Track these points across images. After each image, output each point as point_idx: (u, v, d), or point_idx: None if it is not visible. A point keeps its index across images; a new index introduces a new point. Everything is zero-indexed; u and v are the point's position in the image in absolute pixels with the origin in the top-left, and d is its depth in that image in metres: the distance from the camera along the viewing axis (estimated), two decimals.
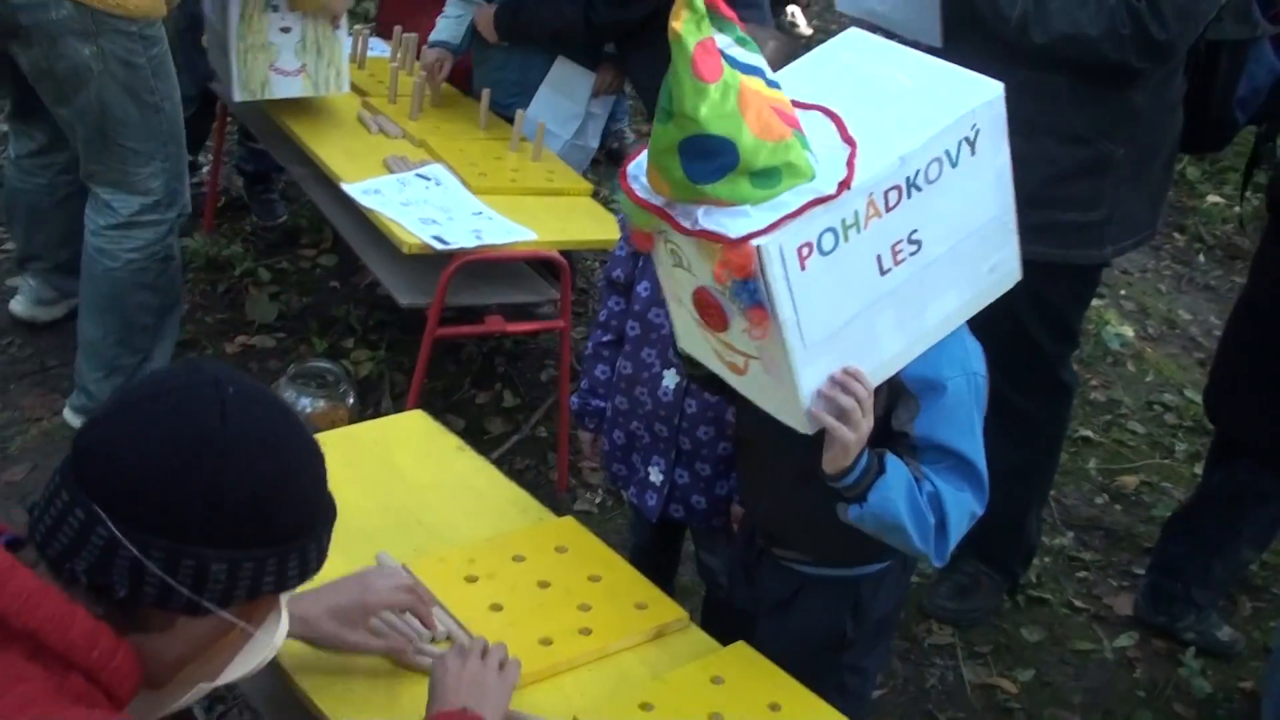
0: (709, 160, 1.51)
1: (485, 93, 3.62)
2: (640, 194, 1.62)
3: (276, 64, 3.38)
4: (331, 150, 3.35)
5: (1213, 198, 6.36)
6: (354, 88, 3.69)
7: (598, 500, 3.47)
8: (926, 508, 1.84)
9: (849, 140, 1.62)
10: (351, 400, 3.34)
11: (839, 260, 1.62)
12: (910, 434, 1.86)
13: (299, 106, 3.58)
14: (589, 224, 3.28)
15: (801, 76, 1.77)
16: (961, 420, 1.88)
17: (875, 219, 1.63)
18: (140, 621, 1.28)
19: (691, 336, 1.81)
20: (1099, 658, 3.20)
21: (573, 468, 3.55)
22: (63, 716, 1.18)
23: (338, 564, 1.48)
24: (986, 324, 2.96)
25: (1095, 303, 4.98)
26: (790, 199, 1.56)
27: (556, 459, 3.50)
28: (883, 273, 1.69)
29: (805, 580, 2.06)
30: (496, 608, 2.06)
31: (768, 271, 1.56)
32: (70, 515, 1.24)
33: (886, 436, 1.86)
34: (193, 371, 1.32)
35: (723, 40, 1.53)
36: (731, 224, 1.55)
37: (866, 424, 1.73)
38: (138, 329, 3.27)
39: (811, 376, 1.68)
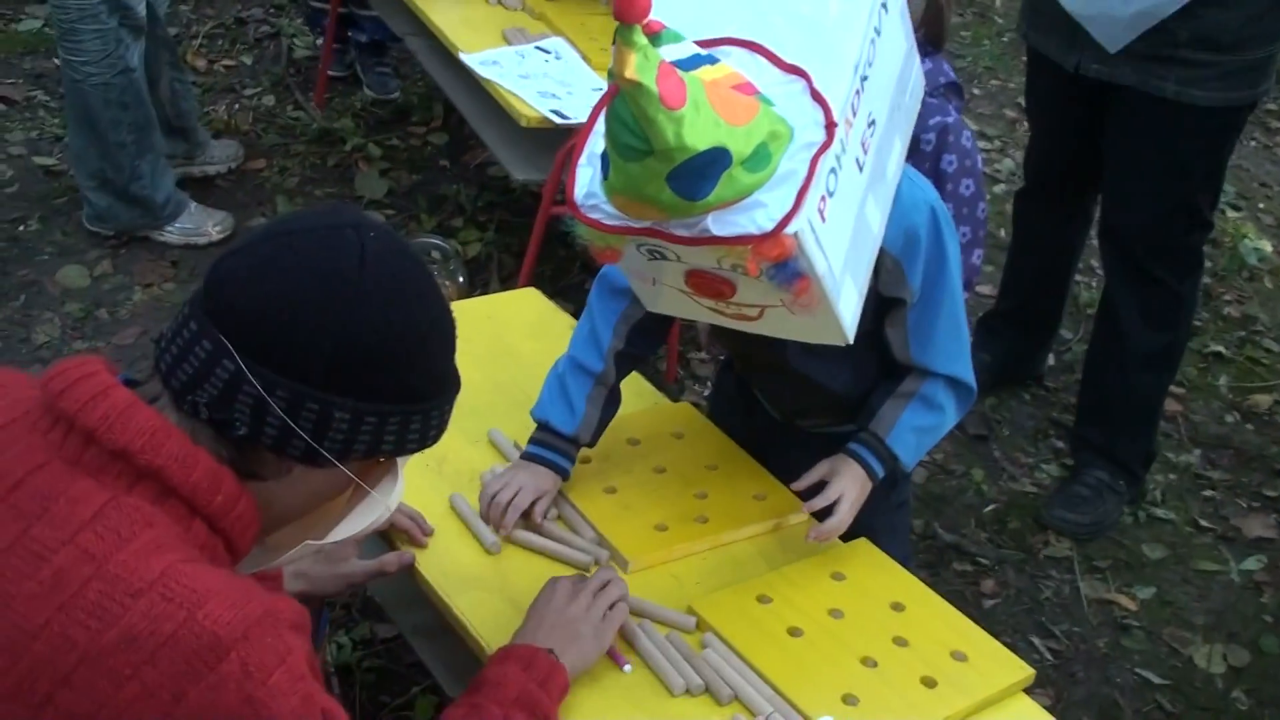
0: (701, 176, 1.39)
1: None
2: (612, 223, 1.49)
3: None
4: (448, 19, 3.25)
5: None
6: None
7: (706, 393, 3.38)
8: (940, 407, 1.93)
9: (796, 71, 1.49)
10: (461, 279, 3.28)
11: (841, 191, 1.54)
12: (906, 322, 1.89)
13: None
14: None
15: (678, 5, 1.57)
16: (938, 276, 1.86)
17: (849, 130, 1.53)
18: (256, 465, 1.23)
19: (666, 303, 1.70)
20: (1224, 579, 3.07)
21: (681, 359, 3.47)
22: (193, 576, 1.13)
23: (449, 440, 1.41)
24: (1141, 187, 2.83)
25: (1232, 215, 4.76)
26: (791, 166, 1.45)
27: (665, 349, 3.41)
28: (861, 170, 1.60)
29: (839, 438, 1.98)
30: (610, 490, 2.00)
31: (806, 248, 1.47)
32: (197, 346, 1.19)
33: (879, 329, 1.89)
34: (335, 212, 1.25)
35: (667, 53, 1.38)
36: (751, 220, 1.44)
37: (849, 497, 1.90)
38: (115, 145, 3.36)
39: (846, 299, 1.61)
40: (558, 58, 3.09)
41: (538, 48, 3.12)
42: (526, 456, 1.96)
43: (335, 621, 2.55)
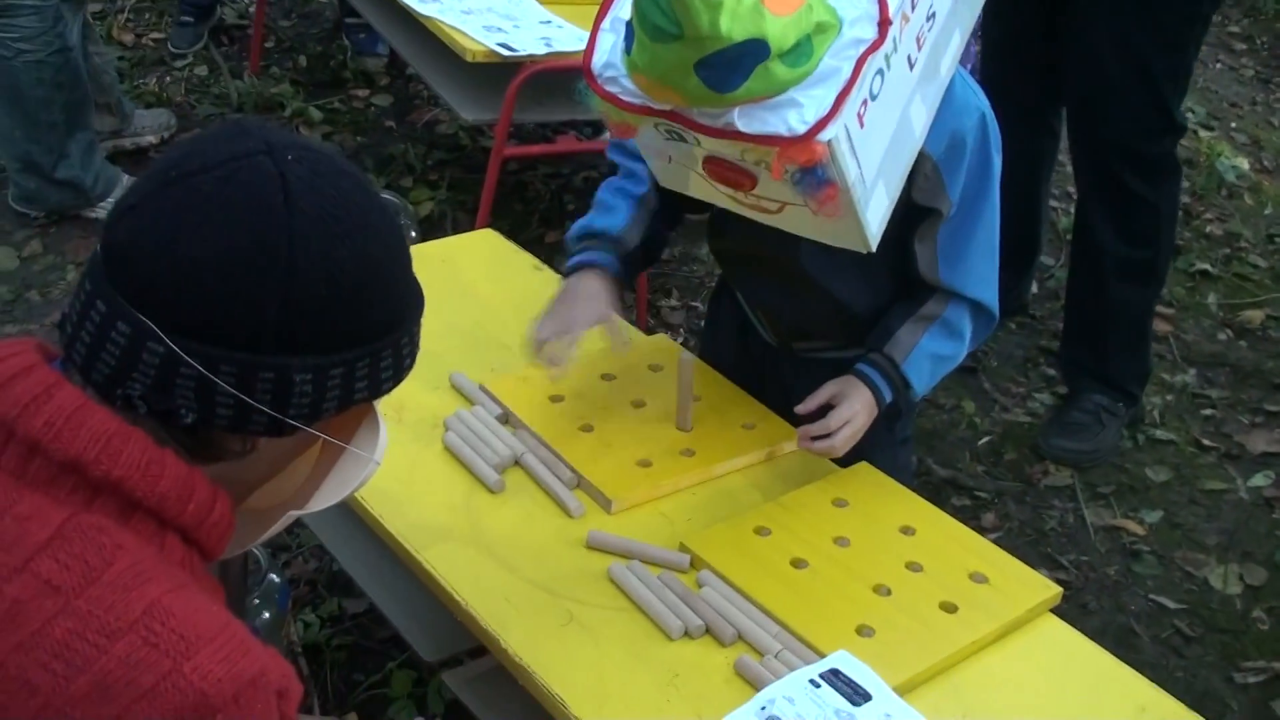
0: (734, 69, 1.27)
1: None
2: (629, 99, 1.36)
3: None
4: None
5: None
6: None
7: (679, 340, 3.23)
8: (960, 335, 1.79)
9: None
10: (414, 234, 3.10)
11: (886, 92, 1.40)
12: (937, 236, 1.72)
13: None
14: None
15: None
16: (981, 189, 1.70)
17: (904, 26, 1.39)
18: (216, 449, 1.04)
19: (680, 181, 1.56)
20: (1233, 498, 2.93)
21: (651, 307, 3.31)
22: (183, 617, 0.94)
23: (408, 388, 1.23)
24: (1106, 90, 2.64)
25: (1204, 134, 4.64)
26: (835, 64, 1.32)
27: (635, 298, 3.25)
28: (912, 68, 1.45)
29: (839, 363, 1.82)
30: (587, 428, 1.83)
31: (839, 157, 1.34)
32: (112, 330, 0.98)
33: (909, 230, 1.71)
34: (237, 136, 1.02)
35: None
36: (783, 120, 1.31)
37: (856, 422, 1.72)
38: (44, 125, 3.15)
39: (875, 207, 1.47)
40: None
41: None
42: (568, 271, 1.80)
43: (300, 598, 2.38)
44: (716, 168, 1.45)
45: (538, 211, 3.58)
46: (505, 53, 2.66)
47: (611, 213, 1.84)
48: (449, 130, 3.90)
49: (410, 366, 1.15)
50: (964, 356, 1.84)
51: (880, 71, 1.38)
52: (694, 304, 3.38)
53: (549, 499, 1.72)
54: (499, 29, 2.74)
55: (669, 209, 1.87)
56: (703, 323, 2.95)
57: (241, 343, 0.99)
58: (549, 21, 2.85)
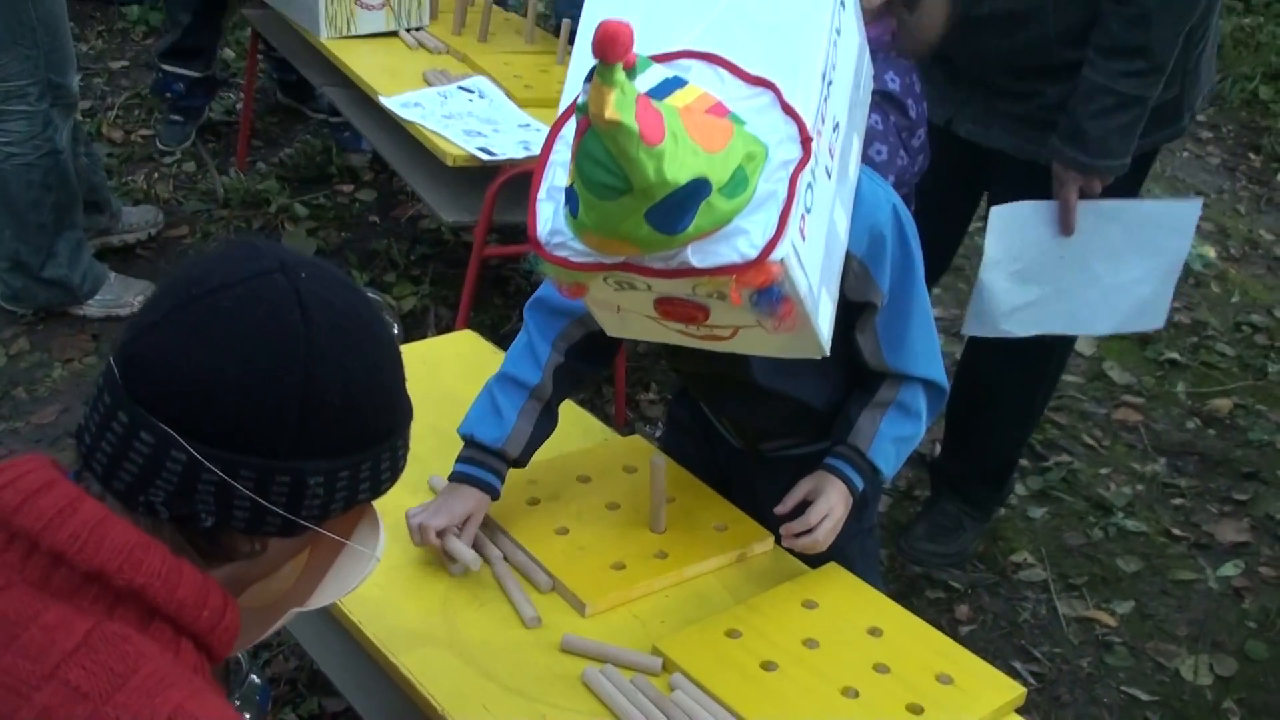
0: (682, 210, 1.31)
1: (531, 3, 3.40)
2: (580, 260, 1.40)
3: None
4: (368, 66, 3.15)
5: None
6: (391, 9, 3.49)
7: (657, 434, 3.27)
8: (916, 414, 1.85)
9: (762, 83, 1.40)
10: (396, 330, 3.15)
11: (816, 204, 1.45)
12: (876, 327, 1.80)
13: None
14: None
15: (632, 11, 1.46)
16: (906, 275, 1.78)
17: (819, 140, 1.44)
18: (227, 550, 1.10)
19: (630, 328, 1.61)
20: (1203, 588, 2.98)
21: (630, 400, 3.36)
22: (207, 709, 1.00)
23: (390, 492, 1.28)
24: None
25: None
26: (769, 187, 1.37)
27: (613, 392, 3.30)
28: (830, 177, 1.52)
29: (805, 460, 1.88)
30: (562, 531, 1.87)
31: (791, 272, 1.39)
32: (135, 440, 1.04)
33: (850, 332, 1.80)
34: (252, 256, 1.09)
35: (642, 84, 1.31)
36: (733, 249, 1.36)
37: (834, 515, 1.80)
38: (33, 226, 3.21)
39: (824, 313, 1.54)
40: (481, 96, 3.00)
41: (460, 87, 3.03)
42: (453, 479, 1.83)
43: (280, 698, 2.40)
44: (669, 307, 1.48)
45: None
46: (485, 157, 2.73)
47: (497, 415, 1.86)
48: (431, 225, 3.97)
49: (404, 467, 1.22)
50: (924, 433, 1.90)
51: (809, 185, 1.43)
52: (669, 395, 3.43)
53: (512, 605, 1.75)
54: (479, 133, 2.82)
55: (571, 383, 1.93)
56: (658, 433, 3.01)
57: (261, 449, 1.05)
58: (527, 125, 2.93)
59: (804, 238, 1.42)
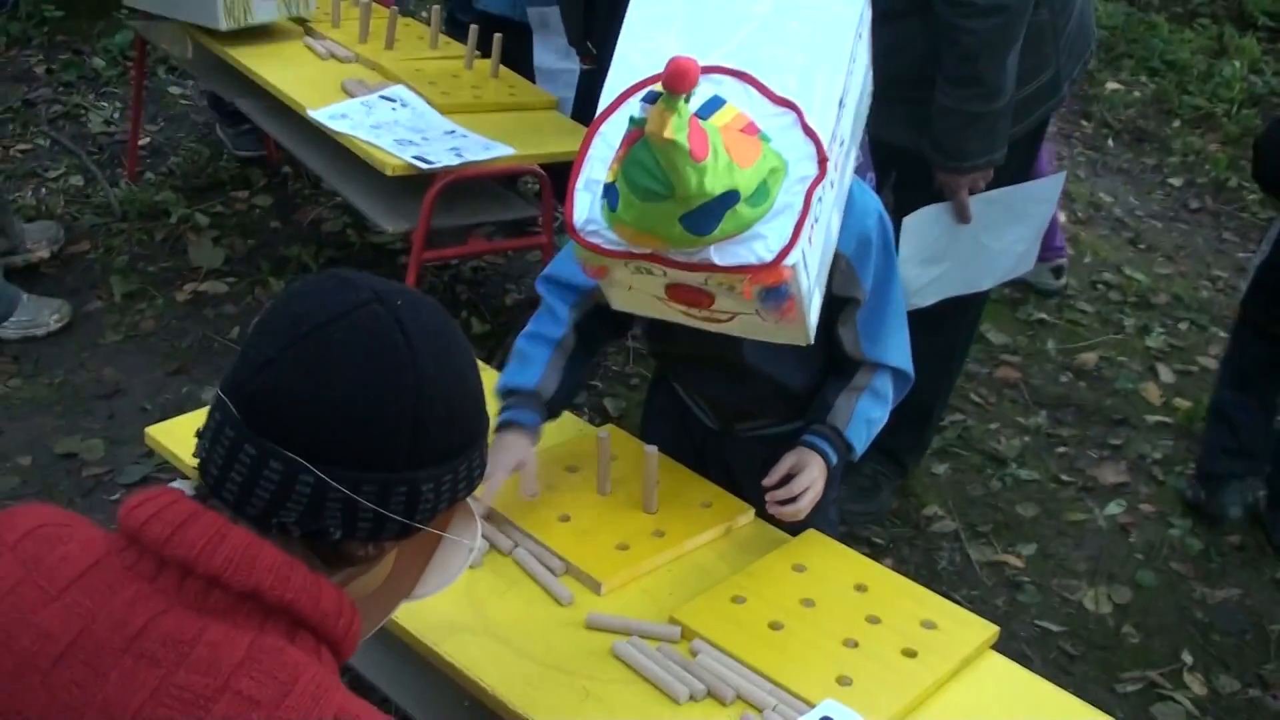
0: (712, 216, 1.49)
1: (435, 10, 3.49)
2: (611, 247, 1.57)
3: None
4: (284, 78, 3.21)
5: (1112, 84, 6.52)
6: (292, 16, 3.54)
7: (585, 419, 3.43)
8: (885, 399, 2.06)
9: (786, 104, 1.59)
10: None
11: (822, 213, 1.64)
12: (857, 320, 1.99)
13: (240, 39, 3.42)
14: (561, 136, 3.20)
15: (671, 26, 1.67)
16: (886, 276, 1.98)
17: (831, 159, 1.63)
18: (347, 557, 1.21)
19: (635, 304, 1.77)
20: (1094, 526, 3.29)
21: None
22: (362, 707, 1.11)
23: None
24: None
25: None
26: (787, 199, 1.56)
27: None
28: (833, 188, 1.71)
29: (776, 439, 2.09)
30: (565, 518, 2.02)
31: (799, 275, 1.58)
32: (265, 469, 1.14)
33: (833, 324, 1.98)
34: (346, 288, 1.19)
35: (692, 104, 1.47)
36: (751, 251, 1.54)
37: (815, 487, 1.97)
38: None
39: (814, 306, 1.72)
40: (404, 105, 3.09)
41: (382, 97, 3.12)
42: (497, 430, 1.97)
43: None
44: (678, 291, 1.65)
45: (463, 309, 3.75)
46: (423, 166, 2.84)
47: (528, 365, 2.03)
48: (335, 228, 4.04)
49: (488, 459, 1.35)
50: (888, 415, 2.11)
51: (820, 198, 1.63)
52: (593, 383, 3.59)
53: (542, 588, 1.90)
54: (411, 142, 2.92)
55: (590, 342, 2.10)
56: (620, 409, 3.16)
57: (380, 465, 1.17)
58: (453, 131, 3.03)
59: (811, 244, 1.60)
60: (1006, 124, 2.68)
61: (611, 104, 1.61)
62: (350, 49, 3.44)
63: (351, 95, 3.14)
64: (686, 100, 1.40)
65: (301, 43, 3.48)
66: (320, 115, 2.99)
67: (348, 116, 2.99)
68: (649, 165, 1.44)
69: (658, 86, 1.38)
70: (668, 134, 1.38)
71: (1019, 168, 2.90)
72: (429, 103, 3.15)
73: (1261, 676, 2.86)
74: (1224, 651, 2.92)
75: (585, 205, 1.59)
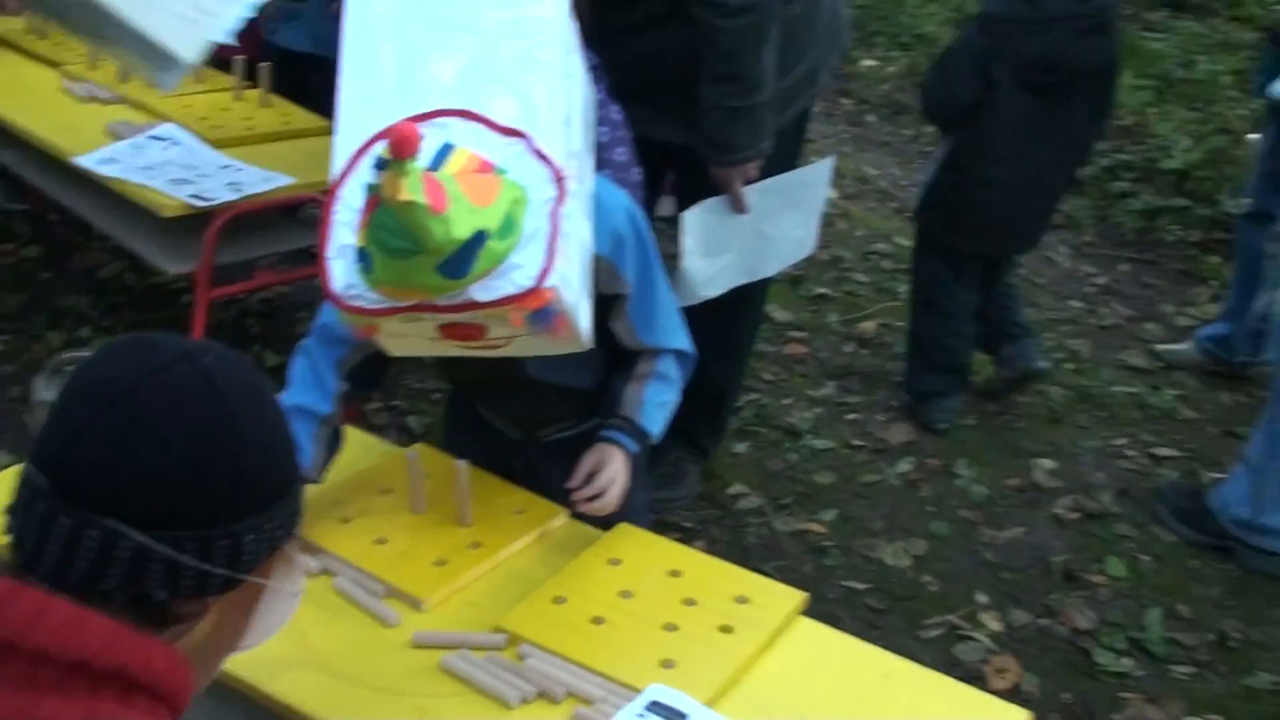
0: (465, 259, 1.54)
1: None
2: (375, 306, 1.61)
3: None
4: (43, 124, 3.12)
5: (867, 61, 6.82)
6: (45, 59, 3.44)
7: (392, 439, 3.45)
8: (672, 380, 2.16)
9: (513, 133, 1.66)
10: None
11: (571, 225, 1.71)
12: (628, 313, 2.07)
13: None
14: None
15: (384, 73, 1.71)
16: (646, 265, 2.06)
17: (569, 175, 1.70)
18: (173, 615, 1.22)
19: (411, 348, 1.82)
20: (886, 485, 3.48)
21: (358, 413, 3.51)
22: None
23: None
24: None
25: None
26: (534, 224, 1.62)
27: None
28: (576, 199, 1.78)
29: (576, 440, 2.18)
30: (381, 541, 2.06)
31: (562, 293, 1.64)
32: (82, 538, 1.14)
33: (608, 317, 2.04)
34: (152, 350, 1.19)
35: (422, 160, 1.52)
36: (510, 282, 1.60)
37: (619, 479, 2.07)
38: None
39: (584, 314, 1.79)
40: (176, 143, 3.05)
41: (151, 137, 3.06)
42: None
43: None
44: (452, 330, 1.70)
45: (224, 339, 3.68)
46: (200, 204, 2.81)
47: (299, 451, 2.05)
48: (112, 273, 3.93)
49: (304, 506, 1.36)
50: (679, 392, 2.21)
51: (567, 215, 1.69)
52: (394, 403, 3.61)
53: (366, 612, 1.94)
54: (186, 180, 2.88)
55: (364, 387, 2.14)
56: (425, 425, 3.17)
57: (201, 521, 1.18)
58: (228, 165, 3.01)
59: (567, 260, 1.68)
60: (772, 115, 2.83)
61: (344, 169, 1.64)
62: (112, 89, 3.36)
63: (119, 137, 3.07)
64: (415, 160, 1.45)
65: (59, 86, 3.38)
66: (87, 161, 2.92)
67: (116, 160, 2.93)
68: (393, 227, 1.49)
69: (386, 153, 1.44)
70: (403, 197, 1.43)
71: (787, 156, 3.07)
72: (201, 138, 3.11)
73: (1049, 606, 3.09)
74: (1014, 587, 3.15)
75: (341, 272, 1.62)
